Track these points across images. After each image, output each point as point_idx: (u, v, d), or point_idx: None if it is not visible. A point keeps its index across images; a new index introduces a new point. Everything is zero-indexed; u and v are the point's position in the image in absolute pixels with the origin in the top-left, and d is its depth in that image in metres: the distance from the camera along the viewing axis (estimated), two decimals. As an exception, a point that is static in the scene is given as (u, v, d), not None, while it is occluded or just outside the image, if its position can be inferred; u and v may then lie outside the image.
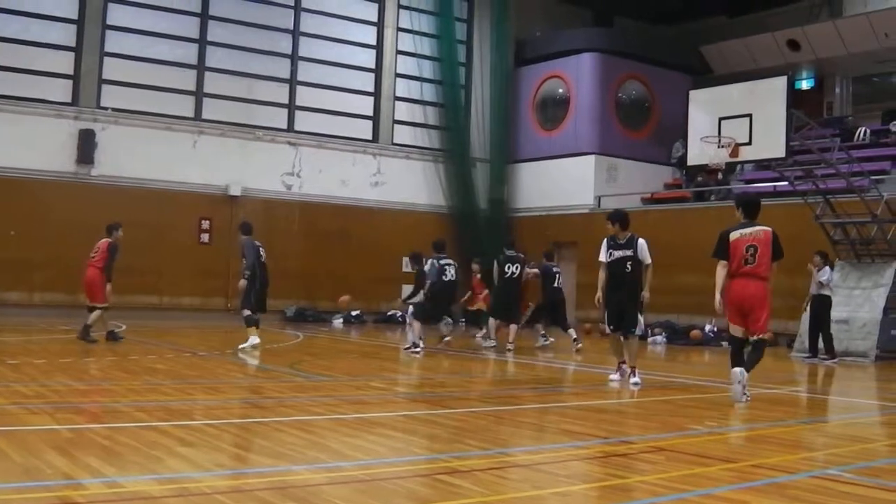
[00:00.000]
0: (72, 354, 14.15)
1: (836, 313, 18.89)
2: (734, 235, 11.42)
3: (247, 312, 16.31)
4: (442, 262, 17.77)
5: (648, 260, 13.14)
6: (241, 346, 15.94)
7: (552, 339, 20.33)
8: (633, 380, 12.85)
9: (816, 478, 6.59)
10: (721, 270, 11.47)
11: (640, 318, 13.36)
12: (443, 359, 17.43)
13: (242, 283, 16.33)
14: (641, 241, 13.12)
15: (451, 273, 17.86)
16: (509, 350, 18.20)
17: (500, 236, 29.32)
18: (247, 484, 5.85)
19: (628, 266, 12.99)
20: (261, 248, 16.55)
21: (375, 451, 7.36)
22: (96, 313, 16.74)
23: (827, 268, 18.79)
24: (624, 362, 13.35)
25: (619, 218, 13.16)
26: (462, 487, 5.94)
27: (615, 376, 13.41)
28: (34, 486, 5.53)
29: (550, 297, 20.06)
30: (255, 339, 16.05)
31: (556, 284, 20.03)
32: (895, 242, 19.55)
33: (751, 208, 11.61)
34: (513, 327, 18.79)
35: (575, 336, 19.38)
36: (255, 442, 7.72)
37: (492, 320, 19.24)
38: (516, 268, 18.91)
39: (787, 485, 6.33)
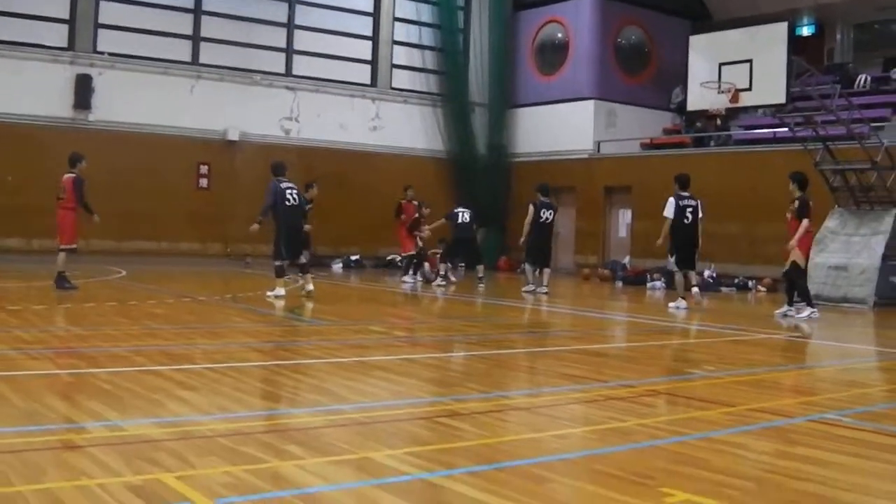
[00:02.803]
0: (72, 300, 14.16)
1: (834, 259, 18.93)
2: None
3: (276, 263, 15.93)
4: None
5: (664, 213, 16.64)
6: (267, 294, 15.87)
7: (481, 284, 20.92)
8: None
9: (814, 422, 6.62)
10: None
11: (670, 258, 17.07)
12: (442, 303, 17.50)
13: (254, 227, 15.94)
14: (669, 199, 16.71)
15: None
16: (545, 293, 19.06)
17: (499, 181, 29.47)
18: (247, 427, 5.89)
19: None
20: (289, 191, 15.95)
21: (375, 394, 7.40)
22: (62, 256, 15.89)
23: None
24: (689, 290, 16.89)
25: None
26: (462, 430, 5.98)
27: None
28: (36, 429, 5.57)
29: (457, 235, 21.16)
30: (279, 290, 15.68)
31: (460, 221, 21.07)
32: (894, 190, 19.52)
33: (804, 182, 15.90)
34: (546, 271, 19.75)
35: (481, 275, 20.92)
36: (256, 385, 7.76)
37: (528, 266, 19.92)
38: (550, 214, 19.89)
39: (785, 429, 6.37)
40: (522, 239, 20.00)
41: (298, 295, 16.29)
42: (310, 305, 15.36)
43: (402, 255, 22.79)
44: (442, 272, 20.92)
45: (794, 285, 15.97)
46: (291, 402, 6.87)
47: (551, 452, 5.52)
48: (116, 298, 14.79)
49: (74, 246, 16.21)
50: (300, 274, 16.68)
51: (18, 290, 15.76)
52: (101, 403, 6.32)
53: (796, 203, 15.66)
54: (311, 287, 16.21)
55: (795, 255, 15.52)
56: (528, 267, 19.95)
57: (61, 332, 10.44)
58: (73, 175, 16.04)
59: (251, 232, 16.22)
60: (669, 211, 16.60)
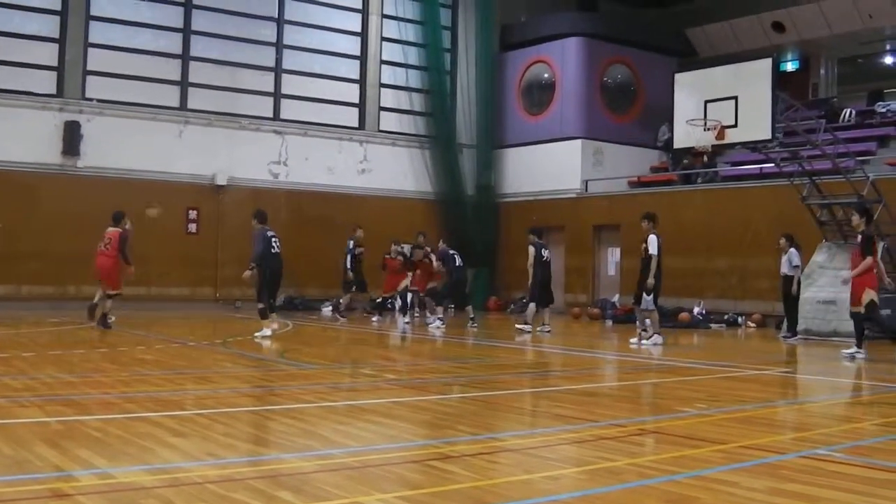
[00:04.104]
0: (61, 347, 14.12)
1: (822, 294, 18.96)
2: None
3: (260, 305, 16.69)
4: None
5: (650, 251, 16.49)
6: (255, 335, 16.44)
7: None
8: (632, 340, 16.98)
9: (806, 458, 6.61)
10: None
11: (647, 297, 16.61)
12: (432, 344, 17.46)
13: (247, 273, 16.64)
14: (651, 236, 16.56)
15: None
16: (548, 332, 19.34)
17: (488, 222, 29.54)
18: (238, 473, 5.86)
19: (643, 254, 16.71)
20: (273, 239, 16.65)
21: (366, 437, 7.37)
22: (109, 301, 17.68)
23: (793, 249, 19.05)
24: (644, 330, 16.98)
25: (647, 217, 16.96)
26: (453, 473, 5.95)
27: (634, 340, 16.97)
28: (25, 478, 5.52)
29: (456, 276, 21.61)
30: (266, 331, 16.45)
31: (457, 264, 21.53)
32: (882, 223, 19.59)
33: (871, 215, 15.90)
34: (547, 310, 20.09)
35: (472, 315, 21.45)
36: (246, 431, 7.72)
37: (532, 306, 19.93)
38: (548, 253, 20.31)
39: (777, 465, 6.36)
40: (531, 281, 19.81)
41: (255, 335, 16.55)
42: (267, 344, 15.71)
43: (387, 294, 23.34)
44: (440, 314, 20.95)
45: (873, 321, 15.48)
46: (282, 447, 6.84)
47: (543, 494, 5.51)
48: (106, 344, 14.75)
49: (120, 292, 18.09)
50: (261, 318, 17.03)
51: (7, 337, 15.70)
52: (91, 451, 6.29)
53: (859, 237, 15.25)
54: (275, 326, 16.88)
55: (870, 295, 14.81)
56: (532, 307, 19.86)
57: (50, 380, 10.38)
58: (120, 230, 17.88)
59: (245, 278, 16.90)
60: (655, 248, 16.60)
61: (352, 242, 22.90)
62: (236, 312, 24.10)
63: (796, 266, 19.01)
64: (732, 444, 7.09)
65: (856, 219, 15.55)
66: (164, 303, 24.79)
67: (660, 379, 12.35)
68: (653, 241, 16.55)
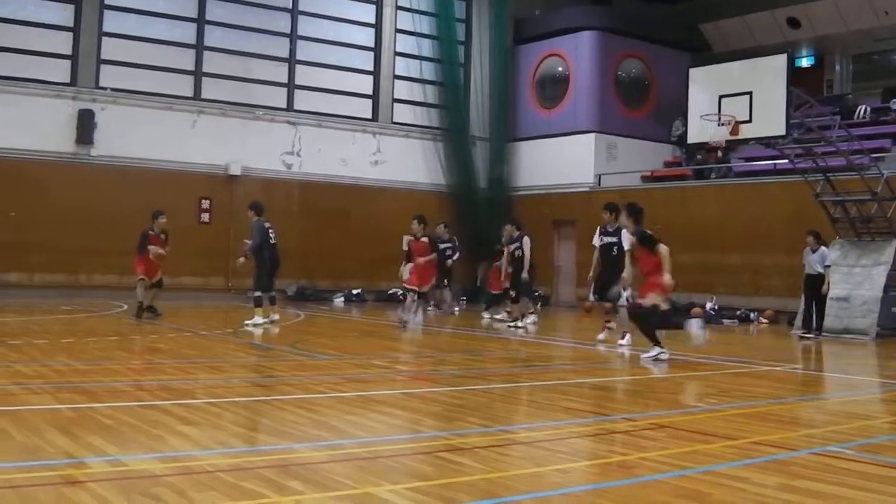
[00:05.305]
0: (73, 335, 14.15)
1: (835, 291, 18.91)
2: None
3: (256, 293, 17.14)
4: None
5: (626, 247, 15.02)
6: (245, 322, 16.79)
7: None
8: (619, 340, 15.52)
9: (817, 455, 6.60)
10: None
11: (624, 293, 15.48)
12: (443, 337, 17.46)
13: (241, 259, 17.35)
14: (624, 231, 15.14)
15: None
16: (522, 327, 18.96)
17: (500, 215, 29.48)
18: (248, 462, 5.86)
19: (614, 250, 15.55)
20: (270, 230, 17.16)
21: (377, 428, 7.38)
22: (142, 286, 18.15)
23: (823, 248, 18.94)
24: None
25: (611, 208, 15.72)
26: (463, 465, 5.95)
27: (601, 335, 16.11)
28: (37, 465, 5.55)
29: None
30: (258, 319, 16.74)
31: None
32: (895, 220, 19.54)
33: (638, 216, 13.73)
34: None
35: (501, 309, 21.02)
36: (257, 420, 7.73)
37: (528, 299, 19.94)
38: None
39: (787, 462, 6.34)
40: (528, 274, 19.34)
41: (246, 323, 16.89)
42: (275, 331, 16.17)
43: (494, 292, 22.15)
44: (532, 309, 20.54)
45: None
46: (293, 437, 6.85)
47: (553, 487, 5.50)
48: (118, 332, 14.79)
49: (143, 278, 18.22)
50: (270, 305, 17.43)
51: (19, 325, 15.76)
52: (102, 438, 6.31)
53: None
54: (267, 318, 17.11)
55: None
56: (528, 300, 19.80)
57: (62, 367, 10.41)
58: (144, 230, 18.41)
59: (237, 265, 18.00)
60: (629, 243, 15.07)
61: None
62: (248, 302, 24.11)
63: (828, 266, 18.76)
64: (743, 440, 7.08)
65: (622, 218, 14.23)
66: (176, 292, 24.70)
67: (671, 374, 12.33)
68: (626, 236, 15.18)
